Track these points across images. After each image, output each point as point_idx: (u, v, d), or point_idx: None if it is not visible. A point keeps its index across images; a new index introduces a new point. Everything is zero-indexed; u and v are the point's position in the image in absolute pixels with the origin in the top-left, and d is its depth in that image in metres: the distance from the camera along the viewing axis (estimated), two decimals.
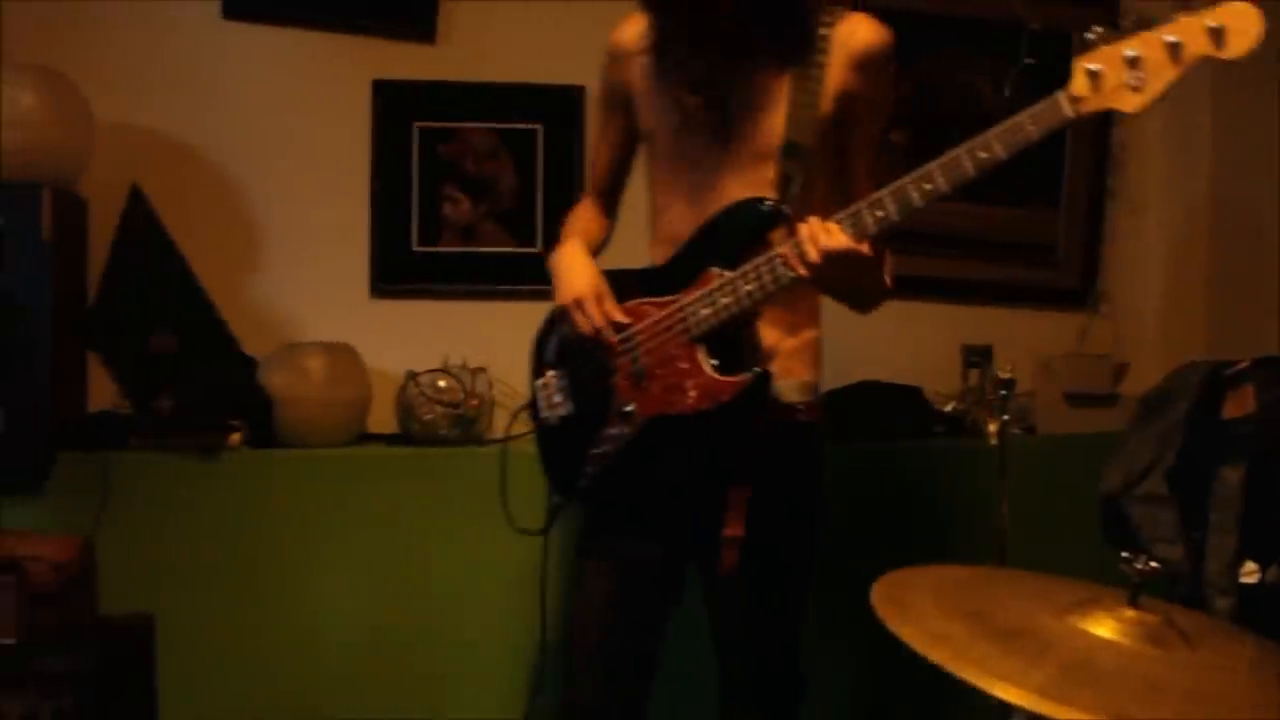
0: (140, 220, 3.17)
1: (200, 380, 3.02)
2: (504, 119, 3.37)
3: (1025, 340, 3.49)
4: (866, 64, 2.17)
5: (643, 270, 2.28)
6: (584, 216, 2.50)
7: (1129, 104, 1.84)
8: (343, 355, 3.06)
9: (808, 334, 2.29)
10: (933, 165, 1.96)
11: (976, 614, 1.61)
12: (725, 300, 2.09)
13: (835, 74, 2.16)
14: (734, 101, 2.17)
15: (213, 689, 2.87)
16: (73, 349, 3.08)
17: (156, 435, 2.94)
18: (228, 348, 3.17)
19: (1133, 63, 1.82)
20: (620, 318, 2.21)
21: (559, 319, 2.32)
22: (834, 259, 1.98)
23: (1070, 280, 3.67)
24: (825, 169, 2.22)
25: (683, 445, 2.17)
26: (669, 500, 2.24)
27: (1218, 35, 1.76)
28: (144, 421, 2.99)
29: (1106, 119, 3.63)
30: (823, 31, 2.17)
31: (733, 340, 2.13)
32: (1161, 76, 1.81)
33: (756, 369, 2.09)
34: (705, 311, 2.11)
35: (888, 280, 2.22)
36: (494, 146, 3.37)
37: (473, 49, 3.37)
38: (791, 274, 2.03)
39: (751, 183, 2.16)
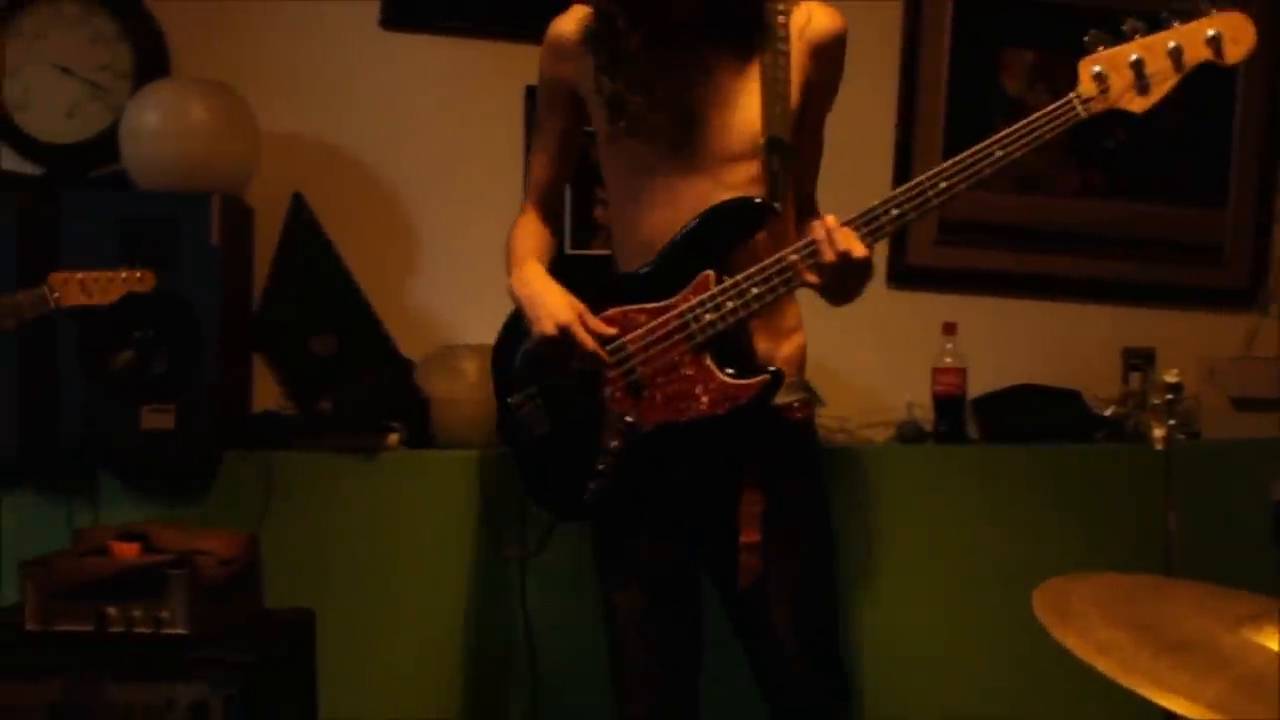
0: (302, 226, 3.26)
1: (359, 382, 3.09)
2: None
3: (1189, 342, 3.38)
4: (824, 50, 2.15)
5: (623, 277, 2.21)
6: (530, 234, 2.37)
7: (1136, 105, 1.95)
8: None
9: (797, 339, 2.24)
10: (948, 164, 1.98)
11: (1143, 625, 1.56)
12: (731, 304, 2.05)
13: (798, 63, 2.12)
14: (695, 99, 2.11)
15: (370, 685, 2.93)
16: (239, 351, 3.18)
17: (317, 435, 3.02)
18: (386, 350, 3.24)
19: (1137, 67, 1.93)
20: (607, 330, 2.12)
21: (537, 344, 2.18)
22: (849, 264, 1.97)
23: (1237, 280, 3.54)
24: (798, 164, 2.19)
25: (690, 451, 2.13)
26: (680, 507, 2.21)
27: (1216, 43, 1.90)
28: (306, 422, 3.07)
29: (1275, 112, 3.51)
30: (780, 19, 2.12)
31: (734, 342, 2.10)
32: (1165, 81, 1.94)
33: (771, 369, 2.07)
34: (710, 316, 2.07)
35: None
36: None
37: None
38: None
39: (726, 183, 2.11)
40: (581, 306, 2.14)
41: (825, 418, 3.10)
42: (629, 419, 2.11)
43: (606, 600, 2.31)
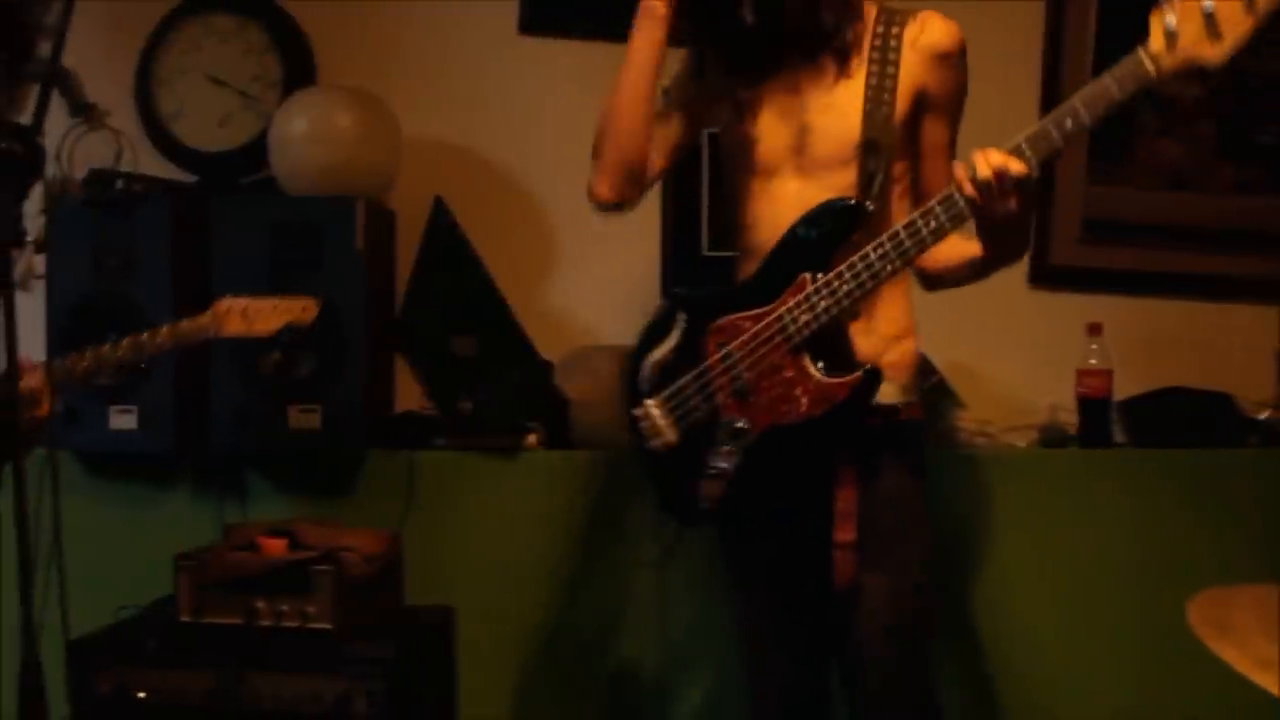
0: (443, 229, 3.31)
1: (499, 383, 3.13)
2: None
3: None
4: (937, 60, 2.17)
5: (733, 285, 2.26)
6: None
7: (1210, 55, 1.78)
8: None
9: (906, 344, 2.23)
10: (1020, 139, 1.91)
11: None
12: (824, 303, 2.08)
13: (907, 72, 2.16)
14: (804, 105, 2.19)
15: (509, 684, 2.97)
16: (382, 352, 3.24)
17: (458, 435, 3.07)
18: (525, 351, 3.27)
19: (1209, 16, 1.78)
20: None
21: (645, 342, 2.30)
22: (1004, 181, 1.91)
23: None
24: (901, 168, 2.21)
25: (796, 454, 2.15)
26: (788, 510, 2.22)
27: None
28: (447, 422, 3.12)
29: None
30: (894, 30, 2.16)
31: (832, 342, 2.11)
32: (1238, 26, 1.76)
33: (867, 366, 2.08)
34: (805, 318, 2.09)
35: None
36: None
37: None
38: (923, 240, 2.00)
39: (831, 186, 2.15)
40: None
41: (966, 421, 3.06)
42: (739, 425, 2.16)
43: (733, 600, 2.38)
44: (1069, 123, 1.87)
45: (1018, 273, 3.24)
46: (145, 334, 2.37)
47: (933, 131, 2.22)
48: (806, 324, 2.10)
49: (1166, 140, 3.28)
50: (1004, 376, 3.23)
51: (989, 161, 1.92)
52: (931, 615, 2.24)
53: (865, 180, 2.14)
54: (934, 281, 2.28)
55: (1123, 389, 3.06)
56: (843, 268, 2.07)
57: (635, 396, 2.33)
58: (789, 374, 2.12)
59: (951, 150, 2.24)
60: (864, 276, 2.05)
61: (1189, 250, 3.32)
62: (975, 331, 3.07)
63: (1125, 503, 2.91)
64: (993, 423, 3.09)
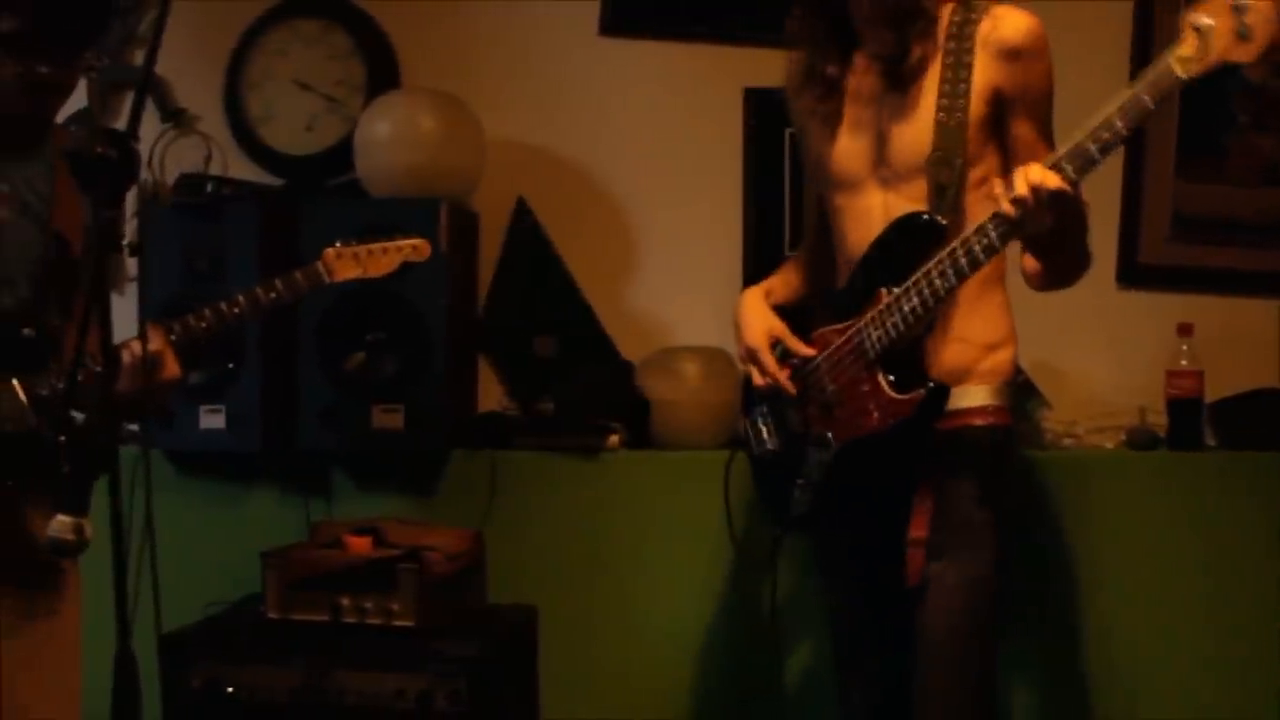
0: (525, 230, 3.34)
1: (580, 383, 3.15)
2: None
3: None
4: (1013, 55, 2.12)
5: (827, 295, 2.31)
6: (785, 267, 2.52)
7: (1241, 55, 1.73)
8: (716, 359, 3.10)
9: (1003, 354, 2.22)
10: (1059, 155, 1.90)
11: None
12: (893, 319, 2.09)
13: (981, 72, 2.12)
14: (881, 116, 2.19)
15: (590, 684, 2.97)
16: (465, 352, 3.27)
17: (540, 435, 3.08)
18: (606, 351, 3.29)
19: (1240, 16, 1.73)
20: (806, 351, 2.25)
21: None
22: (1041, 196, 1.89)
23: None
24: (983, 170, 2.16)
25: (875, 464, 2.18)
26: (866, 519, 2.26)
27: None
28: (528, 422, 3.14)
29: None
30: (968, 28, 2.13)
31: (906, 356, 2.12)
32: (1270, 25, 1.72)
33: (931, 383, 2.09)
34: (877, 333, 2.12)
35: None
36: None
37: None
38: (978, 254, 1.98)
39: (910, 197, 2.15)
40: (781, 329, 2.30)
41: (1052, 421, 3.02)
42: (825, 435, 2.21)
43: (825, 600, 2.46)
44: (1107, 135, 1.85)
45: (1106, 272, 3.20)
46: (259, 288, 2.31)
47: (1019, 130, 2.17)
48: (879, 339, 2.12)
49: (1260, 135, 3.20)
50: (1091, 377, 3.19)
51: (1027, 177, 1.91)
52: (996, 615, 2.23)
53: (936, 193, 2.13)
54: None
55: (1214, 390, 3.00)
56: (908, 285, 2.08)
57: (748, 404, 2.41)
58: (865, 388, 2.15)
59: (1046, 145, 2.19)
60: (926, 294, 2.06)
61: None
62: (1062, 331, 3.03)
63: (1215, 507, 2.85)
64: (1079, 423, 3.05)
